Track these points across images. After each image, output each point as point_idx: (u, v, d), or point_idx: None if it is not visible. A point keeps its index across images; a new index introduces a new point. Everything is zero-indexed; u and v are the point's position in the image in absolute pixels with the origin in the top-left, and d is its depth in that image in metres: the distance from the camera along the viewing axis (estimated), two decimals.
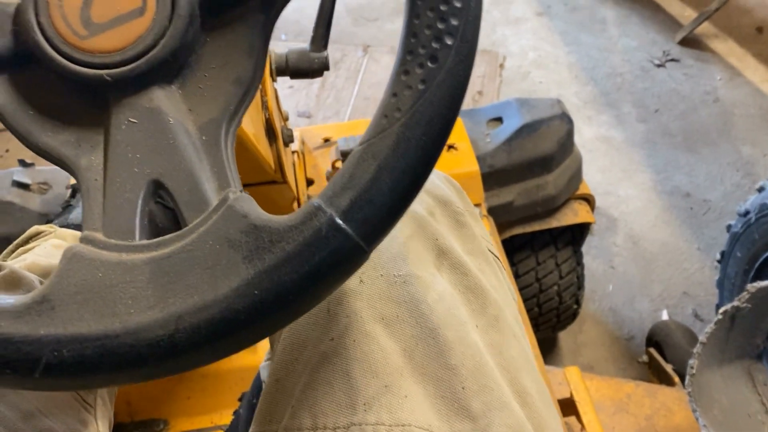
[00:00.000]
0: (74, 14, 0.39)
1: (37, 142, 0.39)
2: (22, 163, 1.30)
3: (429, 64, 0.34)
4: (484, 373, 0.44)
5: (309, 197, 1.19)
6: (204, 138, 0.39)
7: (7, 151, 2.19)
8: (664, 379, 1.34)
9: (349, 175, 0.34)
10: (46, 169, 1.31)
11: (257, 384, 0.71)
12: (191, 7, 0.39)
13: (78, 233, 0.80)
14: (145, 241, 0.35)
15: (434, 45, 0.34)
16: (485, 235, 0.57)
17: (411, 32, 0.35)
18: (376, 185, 0.34)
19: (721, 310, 0.96)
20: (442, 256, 0.51)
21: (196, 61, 0.40)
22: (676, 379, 1.31)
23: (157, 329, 0.32)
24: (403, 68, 0.35)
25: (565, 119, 1.29)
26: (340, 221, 0.33)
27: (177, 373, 0.34)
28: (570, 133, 1.30)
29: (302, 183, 1.19)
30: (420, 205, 0.53)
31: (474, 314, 0.49)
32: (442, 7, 0.34)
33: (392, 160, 0.34)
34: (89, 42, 0.38)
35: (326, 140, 1.30)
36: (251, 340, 0.34)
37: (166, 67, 0.39)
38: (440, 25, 0.34)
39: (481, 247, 0.55)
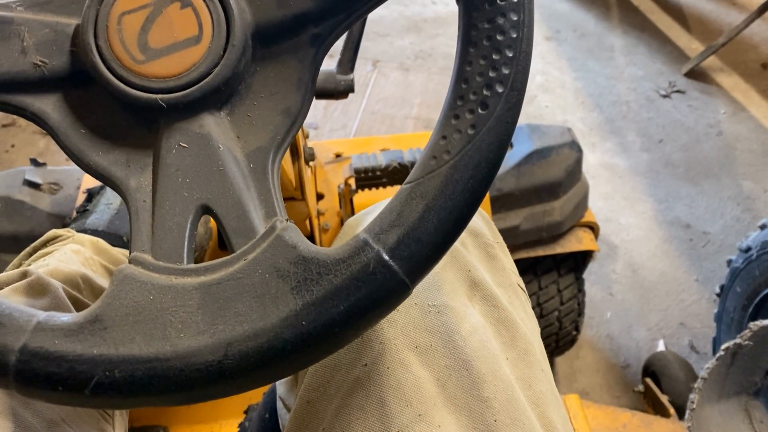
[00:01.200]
0: (132, 39, 0.40)
1: (88, 161, 0.40)
2: (34, 162, 1.31)
3: (479, 110, 0.35)
4: (515, 407, 0.45)
5: (319, 212, 1.20)
6: (252, 166, 0.40)
7: (12, 146, 2.20)
8: (660, 410, 1.35)
9: (398, 212, 0.35)
10: (57, 169, 1.32)
11: (270, 400, 0.72)
12: (245, 38, 0.40)
13: (95, 239, 0.80)
14: (193, 266, 0.36)
15: (485, 92, 0.35)
16: (513, 267, 0.58)
17: (462, 78, 0.36)
18: (424, 224, 0.35)
19: (723, 346, 0.98)
20: (475, 288, 0.52)
21: (246, 90, 0.41)
22: (672, 410, 1.31)
23: (207, 354, 0.33)
24: (453, 112, 0.36)
25: (575, 147, 1.30)
26: (387, 257, 0.34)
27: (222, 397, 0.35)
28: (579, 161, 1.31)
29: (313, 198, 1.20)
30: None
31: (505, 347, 0.49)
32: (495, 56, 0.36)
33: (440, 200, 0.35)
34: (145, 67, 0.39)
35: (338, 155, 1.31)
36: (296, 369, 0.35)
37: (218, 94, 0.40)
38: (491, 74, 0.36)
39: (511, 279, 0.56)
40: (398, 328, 0.48)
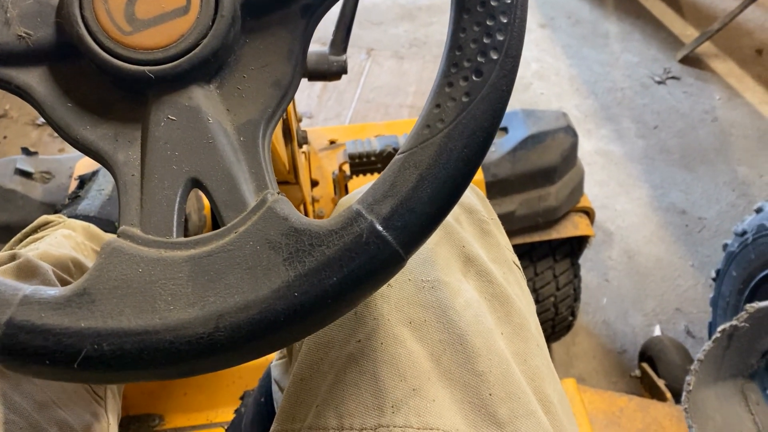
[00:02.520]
0: (118, 10, 0.39)
1: (75, 135, 0.39)
2: (26, 151, 1.30)
3: (474, 77, 0.35)
4: (511, 381, 0.45)
5: (314, 198, 1.20)
6: (242, 139, 0.39)
7: (4, 137, 2.18)
8: (656, 395, 1.35)
9: (391, 183, 0.34)
10: (49, 158, 1.31)
11: (265, 383, 0.71)
12: (234, 9, 0.39)
13: (86, 224, 0.79)
14: (183, 239, 0.36)
15: (479, 59, 0.35)
16: (508, 244, 0.58)
17: (456, 45, 0.35)
18: (417, 194, 0.34)
19: (720, 328, 0.98)
20: (469, 264, 0.51)
21: (236, 62, 0.41)
22: (669, 394, 1.32)
23: (198, 327, 0.33)
24: (447, 80, 0.35)
25: (570, 132, 1.30)
26: (380, 228, 0.34)
27: (213, 371, 0.34)
28: (574, 146, 1.31)
29: (307, 184, 1.19)
30: None
31: (499, 322, 0.49)
32: (489, 23, 0.35)
33: (434, 169, 0.34)
34: (132, 38, 0.39)
35: (332, 142, 1.30)
36: (288, 341, 0.34)
37: (207, 66, 0.39)
38: (486, 40, 0.35)
39: (505, 256, 0.55)
40: (392, 304, 0.48)
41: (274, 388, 0.66)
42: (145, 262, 0.34)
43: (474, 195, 0.59)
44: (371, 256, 0.33)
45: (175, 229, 0.37)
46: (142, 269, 0.34)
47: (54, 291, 0.33)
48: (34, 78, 0.40)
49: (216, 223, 1.16)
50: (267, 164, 0.39)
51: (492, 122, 0.35)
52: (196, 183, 0.38)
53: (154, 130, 0.39)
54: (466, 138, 0.34)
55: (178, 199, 0.37)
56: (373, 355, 0.45)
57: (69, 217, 0.86)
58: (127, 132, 0.40)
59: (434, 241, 0.51)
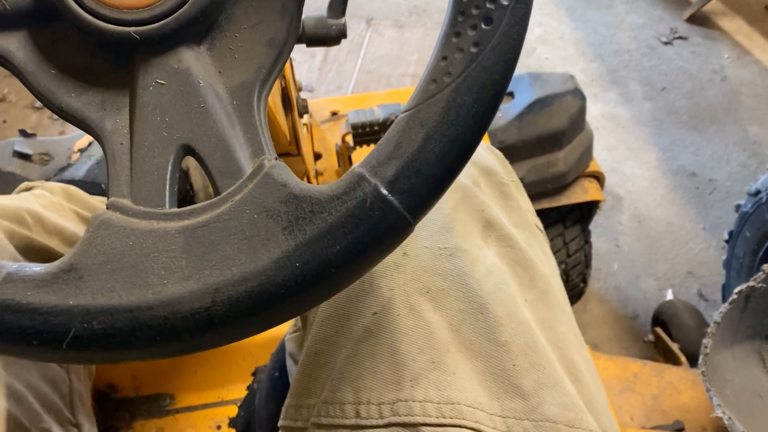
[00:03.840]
0: None
1: (59, 104, 0.37)
2: (23, 133, 1.27)
3: (483, 25, 0.32)
4: (535, 351, 0.43)
5: (317, 172, 1.17)
6: (235, 102, 0.37)
7: (4, 121, 2.16)
8: (671, 359, 1.34)
9: (395, 143, 0.32)
10: (47, 139, 1.29)
11: (279, 357, 0.70)
12: None
13: (66, 186, 0.77)
14: (176, 210, 0.34)
15: (488, 5, 0.32)
16: (530, 207, 0.55)
17: None
18: (424, 154, 0.32)
19: (736, 290, 0.95)
20: (489, 228, 0.49)
21: (227, 21, 0.38)
22: (683, 358, 1.30)
23: (193, 302, 0.30)
24: (453, 29, 0.32)
25: (578, 95, 1.27)
26: (385, 192, 0.31)
27: (212, 347, 0.32)
28: (582, 110, 1.28)
29: (310, 157, 1.17)
30: (464, 174, 0.51)
31: (523, 288, 0.47)
32: None
33: (442, 127, 0.32)
34: None
35: (334, 113, 1.28)
36: (290, 314, 0.32)
37: (196, 25, 0.37)
38: None
39: (527, 219, 0.53)
40: (408, 273, 0.45)
41: (289, 362, 0.64)
42: (135, 234, 0.32)
43: (493, 155, 0.56)
44: (376, 223, 0.31)
45: (167, 199, 0.35)
46: (132, 242, 0.32)
47: (39, 268, 0.31)
48: (13, 43, 0.37)
49: None
50: (263, 128, 0.37)
51: (503, 74, 0.32)
52: (188, 150, 0.36)
53: (142, 95, 0.36)
54: (476, 92, 0.32)
55: (169, 167, 0.35)
56: (390, 327, 0.43)
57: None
58: (115, 98, 0.38)
59: (451, 205, 0.48)
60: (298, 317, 0.60)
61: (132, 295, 0.31)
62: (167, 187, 0.35)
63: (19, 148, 1.21)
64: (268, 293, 0.31)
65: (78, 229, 0.67)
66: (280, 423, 0.46)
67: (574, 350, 0.46)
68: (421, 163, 0.32)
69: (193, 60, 0.37)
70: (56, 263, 0.32)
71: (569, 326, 0.48)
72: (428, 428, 0.40)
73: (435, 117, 0.32)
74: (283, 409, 0.46)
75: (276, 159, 0.35)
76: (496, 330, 0.43)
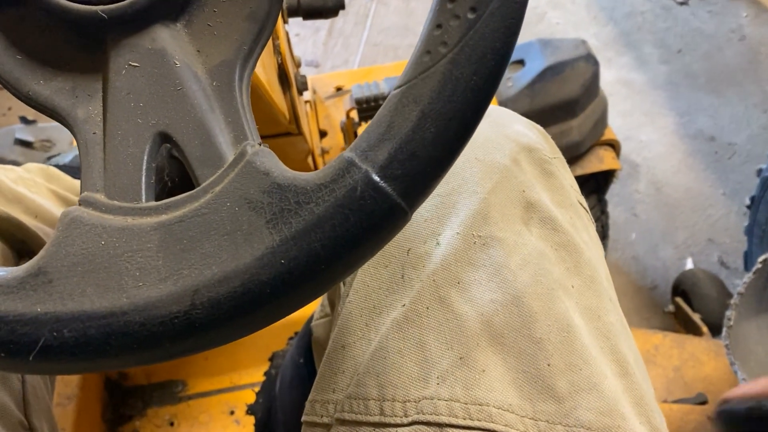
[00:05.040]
0: None
1: (27, 91, 0.34)
2: (24, 120, 1.25)
3: None
4: (572, 350, 0.39)
5: (323, 150, 1.14)
6: (215, 84, 0.34)
7: (9, 109, 2.14)
8: (692, 329, 1.31)
9: (387, 124, 0.29)
10: (48, 125, 1.27)
11: (304, 343, 0.67)
12: None
13: (45, 166, 0.75)
14: (152, 203, 0.31)
15: None
16: (574, 184, 0.51)
17: None
18: (419, 135, 0.29)
19: (761, 258, 0.92)
20: (531, 210, 0.45)
21: None
22: (705, 328, 1.27)
23: (171, 305, 0.28)
24: None
25: (591, 60, 1.22)
26: (377, 178, 0.28)
27: (194, 353, 0.30)
28: (596, 76, 1.23)
29: (315, 135, 1.14)
30: (501, 153, 0.47)
31: (568, 274, 0.44)
32: None
33: (438, 104, 0.29)
34: None
35: (338, 89, 1.24)
36: (278, 315, 0.30)
37: (170, 1, 0.34)
38: None
39: (571, 198, 0.49)
40: (438, 263, 0.42)
41: (317, 349, 0.62)
42: (108, 232, 0.30)
43: (534, 130, 0.52)
44: (368, 213, 0.28)
45: (143, 191, 0.32)
46: (105, 241, 0.29)
47: (4, 272, 0.29)
48: None
49: None
50: (246, 111, 0.34)
51: (505, 42, 0.29)
52: (165, 138, 0.33)
53: (114, 80, 0.34)
54: (475, 63, 0.29)
55: (145, 157, 0.33)
56: (419, 320, 0.41)
57: None
58: (87, 84, 0.35)
59: (488, 188, 0.45)
60: (326, 302, 0.58)
61: (105, 300, 0.28)
62: (143, 178, 0.32)
63: (20, 135, 1.19)
64: (252, 293, 0.28)
65: (56, 209, 0.65)
66: (303, 418, 0.44)
67: (622, 341, 0.43)
68: (416, 144, 0.29)
69: (169, 39, 0.34)
70: (23, 267, 0.29)
71: (617, 315, 0.45)
72: (454, 430, 0.37)
73: (430, 93, 0.29)
74: (307, 403, 0.44)
75: (260, 144, 0.32)
76: (531, 325, 0.40)
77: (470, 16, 0.28)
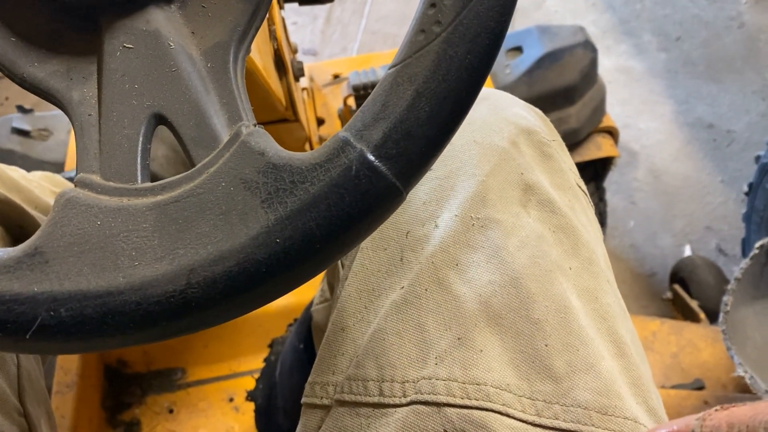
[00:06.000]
0: None
1: (21, 74, 0.34)
2: (21, 109, 1.25)
3: None
4: (569, 331, 0.40)
5: (321, 138, 1.14)
6: (210, 65, 0.34)
7: (6, 99, 2.14)
8: (689, 316, 1.31)
9: (382, 103, 0.29)
10: (46, 114, 1.27)
11: (303, 329, 0.68)
12: None
13: (49, 173, 0.75)
14: (148, 184, 0.31)
15: None
16: (573, 167, 0.51)
17: None
18: (414, 114, 0.29)
19: (758, 244, 0.92)
20: (529, 192, 0.46)
21: None
22: (702, 315, 1.27)
23: (167, 284, 0.28)
24: None
25: (589, 47, 1.22)
26: (372, 158, 0.28)
27: (190, 332, 0.30)
28: (594, 63, 1.23)
29: (312, 122, 1.14)
30: (499, 135, 0.47)
31: (566, 256, 0.44)
32: None
33: (432, 83, 0.29)
34: None
35: (336, 76, 1.24)
36: (274, 294, 0.30)
37: None
38: None
39: (570, 181, 0.49)
40: (436, 245, 0.43)
41: (317, 334, 0.62)
42: (104, 213, 0.30)
43: (533, 113, 0.52)
44: (363, 192, 0.28)
45: (139, 172, 0.32)
46: (101, 221, 0.29)
47: (1, 252, 0.29)
48: None
49: None
50: (241, 92, 0.34)
51: (500, 21, 0.29)
52: (160, 119, 0.33)
53: (109, 61, 0.34)
54: (469, 42, 0.29)
55: (141, 138, 0.33)
56: (417, 302, 0.41)
57: None
58: (81, 66, 0.35)
59: (486, 171, 0.45)
60: (326, 287, 0.58)
61: (101, 279, 0.28)
62: (138, 159, 0.32)
63: (17, 124, 1.19)
64: (247, 273, 0.28)
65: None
66: (303, 400, 0.44)
67: (619, 322, 0.43)
68: (411, 124, 0.29)
69: (164, 20, 0.34)
70: (19, 247, 0.29)
71: (614, 297, 0.45)
72: (453, 409, 0.38)
73: (425, 72, 0.29)
74: (307, 385, 0.44)
75: (255, 125, 0.32)
76: (529, 306, 0.40)
77: None
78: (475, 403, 0.37)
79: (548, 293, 0.41)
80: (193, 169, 0.31)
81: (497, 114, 0.49)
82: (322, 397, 0.42)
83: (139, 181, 0.32)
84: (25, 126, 1.18)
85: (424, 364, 0.39)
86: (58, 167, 1.14)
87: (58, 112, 1.28)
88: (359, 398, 0.40)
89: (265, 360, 0.91)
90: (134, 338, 0.29)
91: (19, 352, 0.30)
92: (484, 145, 0.46)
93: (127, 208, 0.30)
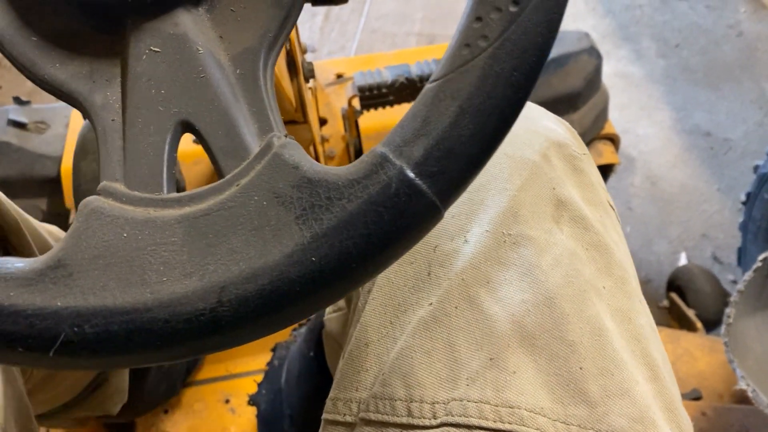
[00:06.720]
0: None
1: (42, 75, 0.33)
2: (17, 100, 1.23)
3: None
4: (604, 355, 0.39)
5: (323, 138, 1.13)
6: (239, 71, 0.33)
7: None
8: (686, 325, 1.31)
9: (423, 118, 0.28)
10: (43, 106, 1.24)
11: (313, 336, 0.66)
12: None
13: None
14: (174, 195, 0.30)
15: None
16: (601, 182, 0.50)
17: None
18: (457, 131, 0.28)
19: (761, 257, 0.92)
20: (562, 207, 0.44)
21: None
22: (699, 324, 1.27)
23: (197, 302, 0.27)
24: None
25: (594, 54, 1.22)
26: (412, 175, 0.27)
27: (216, 351, 0.29)
28: (598, 69, 1.23)
29: (315, 123, 1.12)
30: (531, 148, 0.46)
31: (599, 275, 0.43)
32: None
33: (477, 100, 0.28)
34: None
35: (339, 76, 1.23)
36: (305, 314, 0.29)
37: None
38: None
39: (600, 196, 0.48)
40: (467, 261, 0.41)
41: (328, 342, 0.61)
42: (130, 224, 0.29)
43: (562, 127, 0.51)
44: (402, 211, 0.27)
45: (164, 182, 0.31)
46: (127, 233, 0.28)
47: (23, 264, 0.28)
48: None
49: None
50: (271, 101, 0.33)
51: (547, 37, 0.28)
52: (187, 127, 0.32)
53: (134, 65, 0.32)
54: (516, 58, 0.28)
55: (167, 146, 0.31)
56: (447, 320, 0.40)
57: None
58: (105, 69, 0.34)
59: (518, 185, 0.44)
60: (345, 301, 0.57)
61: (128, 295, 0.27)
62: (164, 169, 0.31)
63: (14, 116, 1.17)
64: (280, 291, 0.27)
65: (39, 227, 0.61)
66: (324, 416, 0.43)
67: (652, 344, 0.42)
68: (454, 141, 0.28)
69: (191, 24, 0.33)
70: (42, 258, 0.28)
71: (647, 317, 0.44)
72: None
73: (469, 88, 0.28)
74: (328, 401, 0.43)
75: (286, 136, 0.31)
76: (563, 327, 0.39)
77: (512, 9, 0.28)
78: (508, 426, 0.36)
79: (583, 314, 0.40)
80: (222, 180, 0.30)
81: (528, 126, 0.48)
82: (345, 414, 0.41)
83: (165, 192, 0.31)
84: (21, 118, 1.16)
85: (454, 385, 0.38)
86: (55, 161, 1.13)
87: (56, 104, 1.26)
88: (386, 418, 0.39)
89: (269, 364, 0.89)
90: (160, 356, 0.28)
91: (41, 368, 0.29)
92: (515, 158, 0.45)
93: (155, 220, 0.29)
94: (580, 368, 0.38)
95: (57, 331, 0.27)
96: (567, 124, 0.53)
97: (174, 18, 0.33)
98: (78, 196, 0.87)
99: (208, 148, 0.31)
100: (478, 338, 0.39)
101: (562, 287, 0.40)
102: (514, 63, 0.28)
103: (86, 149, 0.84)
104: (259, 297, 0.27)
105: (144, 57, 0.32)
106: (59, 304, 0.27)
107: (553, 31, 0.28)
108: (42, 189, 1.13)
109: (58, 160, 1.12)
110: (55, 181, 1.11)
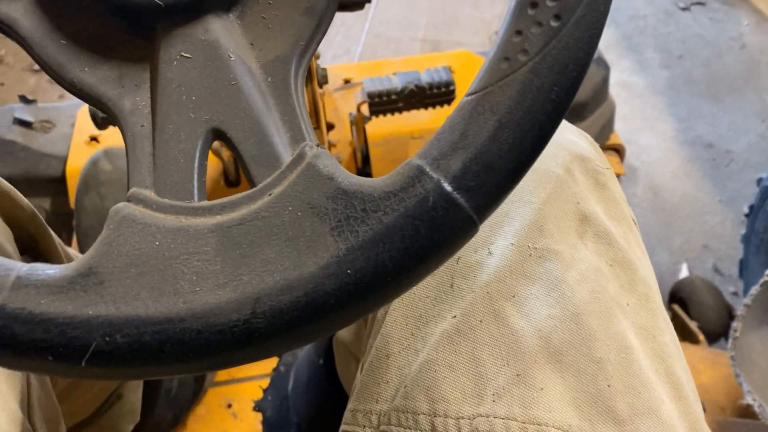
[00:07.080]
0: None
1: (71, 78, 0.33)
2: (23, 99, 1.22)
3: None
4: (630, 372, 0.38)
5: (330, 143, 1.13)
6: (270, 79, 0.33)
7: (2, 84, 2.10)
8: (688, 337, 1.31)
9: (461, 132, 0.28)
10: (49, 105, 1.24)
11: (323, 343, 0.66)
12: None
13: None
14: (206, 203, 0.30)
15: None
16: (623, 197, 0.50)
17: None
18: (495, 146, 0.27)
19: None
20: (586, 223, 0.44)
21: None
22: (701, 336, 1.27)
23: (231, 313, 0.27)
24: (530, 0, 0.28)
25: (602, 64, 1.22)
26: (450, 189, 0.27)
27: (248, 362, 0.28)
28: (606, 80, 1.23)
29: (324, 128, 1.12)
30: (554, 161, 0.46)
31: (623, 292, 0.42)
32: None
33: (516, 114, 0.27)
34: None
35: (347, 81, 1.22)
36: (338, 327, 0.29)
37: None
38: None
39: (624, 212, 0.48)
40: (492, 274, 0.41)
41: (341, 351, 0.60)
42: (162, 232, 0.28)
43: (584, 139, 0.51)
44: (439, 224, 0.27)
45: (196, 190, 0.31)
46: (159, 242, 0.28)
47: (54, 271, 0.27)
48: (17, 9, 0.33)
49: (227, 172, 1.10)
50: (302, 110, 0.33)
51: (587, 53, 0.28)
52: (218, 134, 0.32)
53: (165, 70, 0.32)
54: (556, 73, 0.28)
55: (198, 153, 0.31)
56: (471, 334, 0.39)
57: None
58: (134, 74, 0.33)
59: (543, 199, 0.44)
60: None
61: (160, 305, 0.27)
62: (195, 176, 0.31)
63: (19, 115, 1.16)
64: (315, 303, 0.27)
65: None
66: (343, 428, 0.42)
67: (676, 361, 0.42)
68: (493, 155, 0.27)
69: (222, 30, 0.33)
70: (72, 265, 0.28)
71: (670, 335, 0.44)
72: None
73: (508, 102, 0.28)
74: (347, 412, 0.43)
75: (318, 146, 0.31)
76: (591, 344, 0.39)
77: (554, 24, 0.27)
78: None
79: (609, 331, 0.39)
80: (255, 189, 0.29)
81: (552, 138, 0.48)
82: (364, 426, 0.41)
83: (196, 200, 0.30)
84: (27, 117, 1.16)
85: (480, 400, 0.38)
86: (60, 160, 1.12)
87: (62, 103, 1.26)
88: None
89: (274, 370, 0.89)
90: (191, 367, 0.28)
91: (70, 377, 0.28)
92: (539, 170, 0.45)
93: (187, 228, 0.28)
94: (608, 386, 0.38)
95: (89, 341, 0.26)
96: (589, 137, 0.52)
97: (205, 24, 0.32)
98: (80, 232, 0.86)
99: (240, 156, 0.31)
100: (504, 353, 0.39)
101: (588, 303, 0.40)
102: (555, 78, 0.27)
103: (89, 185, 0.84)
104: (293, 309, 0.27)
105: (175, 63, 0.32)
106: (90, 312, 0.27)
107: (593, 47, 0.28)
108: (46, 189, 1.13)
109: (63, 159, 1.12)
110: (60, 181, 1.11)
